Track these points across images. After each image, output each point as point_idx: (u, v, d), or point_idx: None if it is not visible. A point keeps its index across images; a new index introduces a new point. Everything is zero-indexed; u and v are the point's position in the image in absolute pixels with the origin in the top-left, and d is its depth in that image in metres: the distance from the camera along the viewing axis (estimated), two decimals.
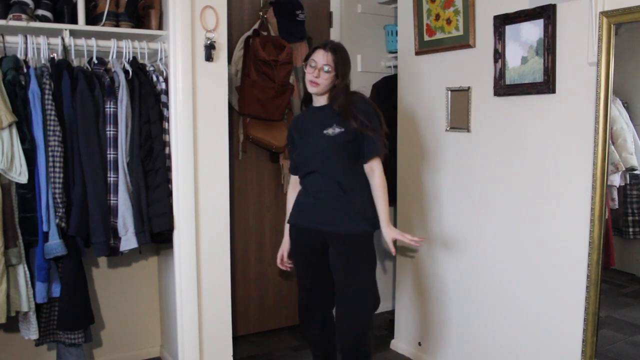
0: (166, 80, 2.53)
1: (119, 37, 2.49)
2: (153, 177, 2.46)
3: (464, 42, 2.57)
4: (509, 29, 2.33)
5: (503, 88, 2.38)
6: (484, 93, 2.50)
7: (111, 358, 2.89)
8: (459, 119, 2.63)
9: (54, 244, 2.25)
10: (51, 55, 2.33)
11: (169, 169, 2.53)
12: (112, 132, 2.37)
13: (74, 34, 2.40)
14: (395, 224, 3.33)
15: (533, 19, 2.21)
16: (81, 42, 2.38)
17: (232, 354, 2.75)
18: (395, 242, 2.25)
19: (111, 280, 2.87)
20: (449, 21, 2.64)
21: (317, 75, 2.21)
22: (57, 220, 2.26)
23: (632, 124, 2.07)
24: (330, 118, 2.24)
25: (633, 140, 2.07)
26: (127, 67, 2.45)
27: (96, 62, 2.41)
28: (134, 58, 2.49)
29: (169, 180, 2.53)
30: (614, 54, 1.94)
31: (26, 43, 2.27)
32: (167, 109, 2.51)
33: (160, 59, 2.55)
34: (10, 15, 2.24)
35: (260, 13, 3.18)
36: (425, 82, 2.83)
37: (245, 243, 3.27)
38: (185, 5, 2.47)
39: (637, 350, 2.06)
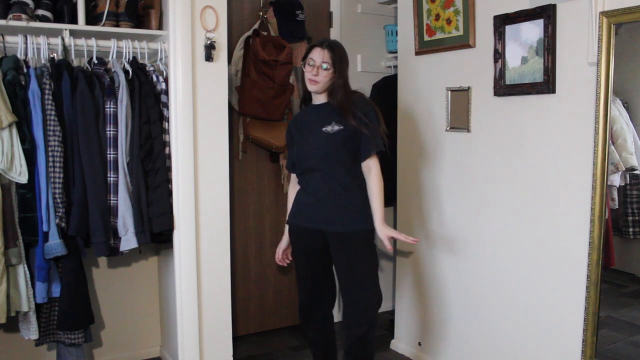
0: (166, 80, 2.53)
1: (119, 37, 2.49)
2: (153, 177, 2.46)
3: (464, 42, 2.57)
4: (509, 29, 2.33)
5: (503, 88, 2.38)
6: (484, 93, 2.50)
7: (111, 358, 2.89)
8: (459, 119, 2.63)
9: (54, 244, 2.25)
10: (51, 55, 2.33)
11: (169, 169, 2.53)
12: (112, 132, 2.37)
13: (74, 34, 2.40)
14: (395, 224, 3.34)
15: (533, 19, 2.21)
16: (81, 42, 2.38)
17: (232, 354, 2.75)
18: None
19: (111, 280, 2.87)
20: (449, 21, 2.64)
21: (315, 73, 2.22)
22: (57, 220, 2.26)
23: (632, 124, 2.07)
24: (329, 116, 2.25)
25: (633, 140, 2.07)
26: (127, 67, 2.45)
27: (96, 62, 2.41)
28: (134, 58, 2.49)
29: (169, 180, 2.53)
30: (614, 54, 1.94)
31: (26, 43, 2.27)
32: (167, 109, 2.51)
33: (160, 59, 2.55)
34: (10, 15, 2.24)
35: (260, 13, 3.18)
36: (425, 82, 2.83)
37: (245, 243, 3.27)
38: (185, 5, 2.47)
39: (637, 350, 2.06)
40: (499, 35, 2.37)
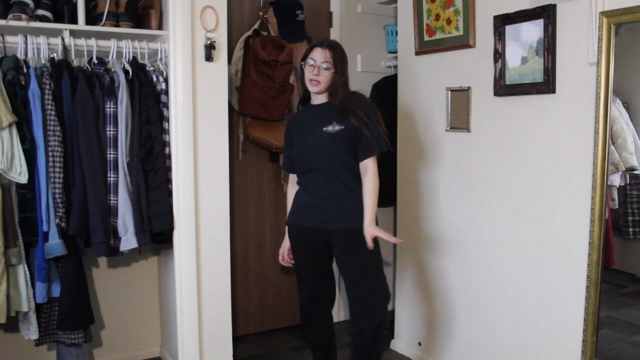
0: (166, 80, 2.53)
1: (119, 37, 2.49)
2: (153, 177, 2.46)
3: (464, 42, 2.57)
4: (509, 29, 2.33)
5: (503, 88, 2.38)
6: (484, 93, 2.50)
7: (111, 358, 2.89)
8: (459, 119, 2.63)
9: (54, 244, 2.25)
10: (51, 55, 2.33)
11: (169, 169, 2.53)
12: (112, 132, 2.37)
13: (74, 34, 2.40)
14: (395, 224, 3.34)
15: (533, 19, 2.21)
16: (81, 42, 2.38)
17: (232, 354, 2.75)
18: (375, 239, 2.22)
19: (111, 280, 2.87)
20: (449, 21, 2.64)
21: (317, 73, 2.22)
22: (57, 220, 2.26)
23: (632, 124, 2.07)
24: (330, 115, 2.25)
25: (633, 140, 2.07)
26: (127, 67, 2.45)
27: (96, 62, 2.41)
28: (134, 58, 2.49)
29: (169, 180, 2.53)
30: (614, 54, 1.94)
31: (26, 43, 2.27)
32: (167, 109, 2.51)
33: (160, 59, 2.55)
34: (10, 15, 2.24)
35: (260, 13, 3.18)
36: (425, 82, 2.83)
37: (245, 243, 3.27)
38: (185, 5, 2.47)
39: (637, 350, 2.06)
40: (499, 35, 2.37)
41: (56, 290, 2.37)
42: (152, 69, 2.52)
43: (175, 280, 2.60)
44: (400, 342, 3.10)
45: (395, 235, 3.22)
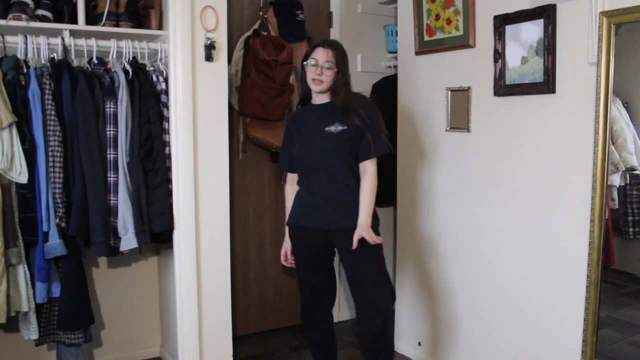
0: (166, 80, 2.53)
1: (119, 37, 2.49)
2: (153, 177, 2.46)
3: (464, 42, 2.57)
4: (509, 29, 2.33)
5: (503, 88, 2.38)
6: (484, 93, 2.50)
7: (111, 358, 2.89)
8: (459, 119, 2.63)
9: (54, 244, 2.25)
10: (51, 55, 2.33)
11: (169, 169, 2.53)
12: (112, 132, 2.37)
13: (74, 34, 2.40)
14: (394, 224, 3.34)
15: (533, 19, 2.21)
16: (81, 42, 2.38)
17: (232, 354, 2.75)
18: (362, 239, 2.20)
19: (111, 280, 2.87)
20: (449, 21, 2.64)
21: (319, 72, 2.22)
22: (57, 220, 2.26)
23: (632, 124, 2.07)
24: (332, 115, 2.25)
25: (633, 140, 2.07)
26: (127, 67, 2.45)
27: (96, 62, 2.41)
28: (134, 58, 2.49)
29: (169, 180, 2.53)
30: (614, 54, 1.94)
31: (26, 43, 2.27)
32: (167, 109, 2.51)
33: (160, 59, 2.55)
34: (10, 15, 2.24)
35: (260, 13, 3.18)
36: (425, 82, 2.83)
37: (245, 243, 3.27)
38: (185, 5, 2.47)
39: (637, 350, 2.06)
40: (499, 35, 2.37)
41: (56, 290, 2.37)
42: (152, 69, 2.52)
43: (175, 280, 2.60)
44: (401, 342, 3.10)
45: (395, 235, 3.22)
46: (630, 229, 2.11)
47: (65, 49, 2.36)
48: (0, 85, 2.16)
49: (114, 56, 2.45)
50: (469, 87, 2.57)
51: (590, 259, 2.04)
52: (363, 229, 2.17)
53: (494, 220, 2.49)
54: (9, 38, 2.26)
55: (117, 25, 2.48)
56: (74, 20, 2.41)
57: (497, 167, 2.47)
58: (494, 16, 2.39)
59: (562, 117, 2.16)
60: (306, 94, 2.36)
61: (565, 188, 2.16)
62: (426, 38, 2.78)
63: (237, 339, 3.12)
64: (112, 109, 2.37)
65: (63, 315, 2.39)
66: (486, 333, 2.56)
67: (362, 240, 2.19)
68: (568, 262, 2.16)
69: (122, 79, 2.39)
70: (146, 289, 2.98)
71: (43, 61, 2.31)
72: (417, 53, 2.85)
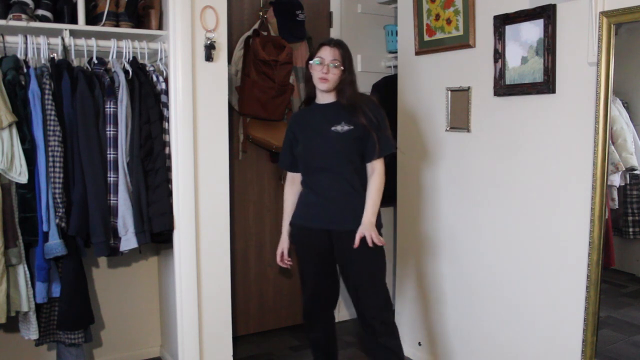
0: (166, 80, 2.53)
1: (119, 37, 2.49)
2: (153, 177, 2.46)
3: (464, 42, 2.57)
4: (509, 29, 2.33)
5: (503, 88, 2.38)
6: (484, 93, 2.50)
7: (111, 358, 2.89)
8: (459, 119, 2.63)
9: (54, 244, 2.25)
10: (51, 55, 2.33)
11: (169, 169, 2.53)
12: (112, 132, 2.37)
13: (74, 34, 2.40)
14: (395, 224, 3.34)
15: (533, 19, 2.21)
16: (81, 42, 2.38)
17: (232, 354, 2.75)
18: (362, 239, 2.20)
19: (111, 280, 2.87)
20: (449, 21, 2.64)
21: (326, 71, 2.22)
22: (57, 220, 2.26)
23: (632, 124, 2.07)
24: (338, 115, 2.25)
25: (633, 140, 2.07)
26: (127, 67, 2.45)
27: (96, 62, 2.41)
28: (134, 58, 2.49)
29: (169, 180, 2.53)
30: (614, 54, 1.94)
31: (26, 43, 2.28)
32: (167, 109, 2.51)
33: (160, 59, 2.55)
34: (10, 15, 2.24)
35: (260, 13, 3.18)
36: (425, 82, 2.83)
37: (245, 243, 3.27)
38: (185, 5, 2.47)
39: (637, 350, 2.06)
40: (499, 35, 2.37)
41: (56, 290, 2.37)
42: (152, 69, 2.52)
43: (175, 280, 2.60)
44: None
45: (395, 234, 3.22)
46: (630, 229, 2.11)
47: (65, 49, 2.36)
48: (0, 85, 2.16)
49: (114, 56, 2.45)
50: (469, 87, 2.57)
51: (590, 259, 2.04)
52: (366, 228, 2.17)
53: (494, 220, 2.49)
54: (9, 38, 2.26)
55: (117, 25, 2.48)
56: (74, 20, 2.41)
57: (497, 167, 2.47)
58: (494, 16, 2.39)
59: (562, 117, 2.16)
60: (311, 94, 2.36)
61: (565, 188, 2.16)
62: (426, 38, 2.78)
63: (237, 339, 3.12)
64: (112, 109, 2.37)
65: (63, 315, 2.39)
66: (486, 333, 2.56)
67: (362, 242, 2.19)
68: (568, 262, 2.16)
69: (122, 79, 2.39)
70: (146, 289, 2.98)
71: (43, 61, 2.31)
72: (417, 53, 2.85)
